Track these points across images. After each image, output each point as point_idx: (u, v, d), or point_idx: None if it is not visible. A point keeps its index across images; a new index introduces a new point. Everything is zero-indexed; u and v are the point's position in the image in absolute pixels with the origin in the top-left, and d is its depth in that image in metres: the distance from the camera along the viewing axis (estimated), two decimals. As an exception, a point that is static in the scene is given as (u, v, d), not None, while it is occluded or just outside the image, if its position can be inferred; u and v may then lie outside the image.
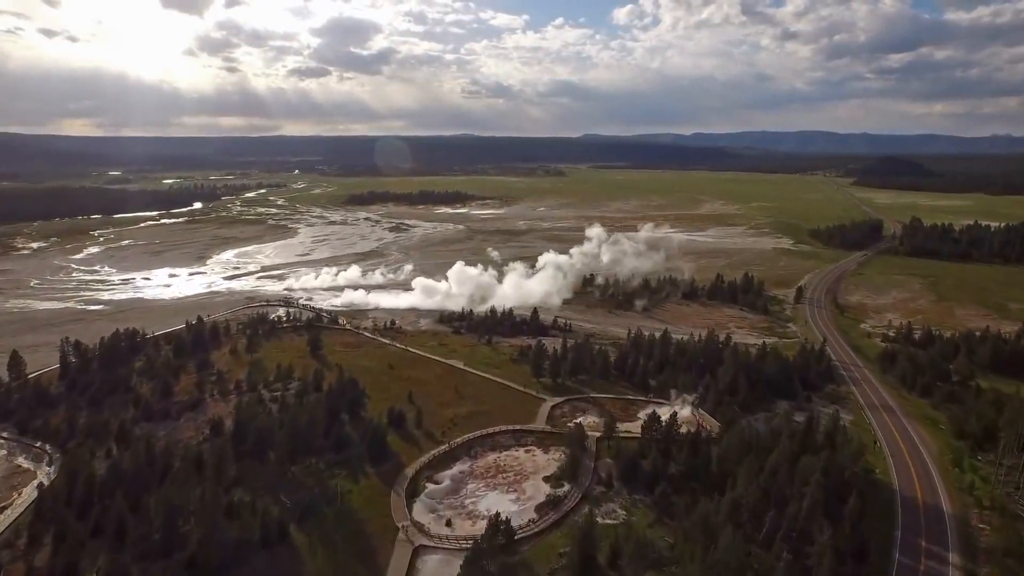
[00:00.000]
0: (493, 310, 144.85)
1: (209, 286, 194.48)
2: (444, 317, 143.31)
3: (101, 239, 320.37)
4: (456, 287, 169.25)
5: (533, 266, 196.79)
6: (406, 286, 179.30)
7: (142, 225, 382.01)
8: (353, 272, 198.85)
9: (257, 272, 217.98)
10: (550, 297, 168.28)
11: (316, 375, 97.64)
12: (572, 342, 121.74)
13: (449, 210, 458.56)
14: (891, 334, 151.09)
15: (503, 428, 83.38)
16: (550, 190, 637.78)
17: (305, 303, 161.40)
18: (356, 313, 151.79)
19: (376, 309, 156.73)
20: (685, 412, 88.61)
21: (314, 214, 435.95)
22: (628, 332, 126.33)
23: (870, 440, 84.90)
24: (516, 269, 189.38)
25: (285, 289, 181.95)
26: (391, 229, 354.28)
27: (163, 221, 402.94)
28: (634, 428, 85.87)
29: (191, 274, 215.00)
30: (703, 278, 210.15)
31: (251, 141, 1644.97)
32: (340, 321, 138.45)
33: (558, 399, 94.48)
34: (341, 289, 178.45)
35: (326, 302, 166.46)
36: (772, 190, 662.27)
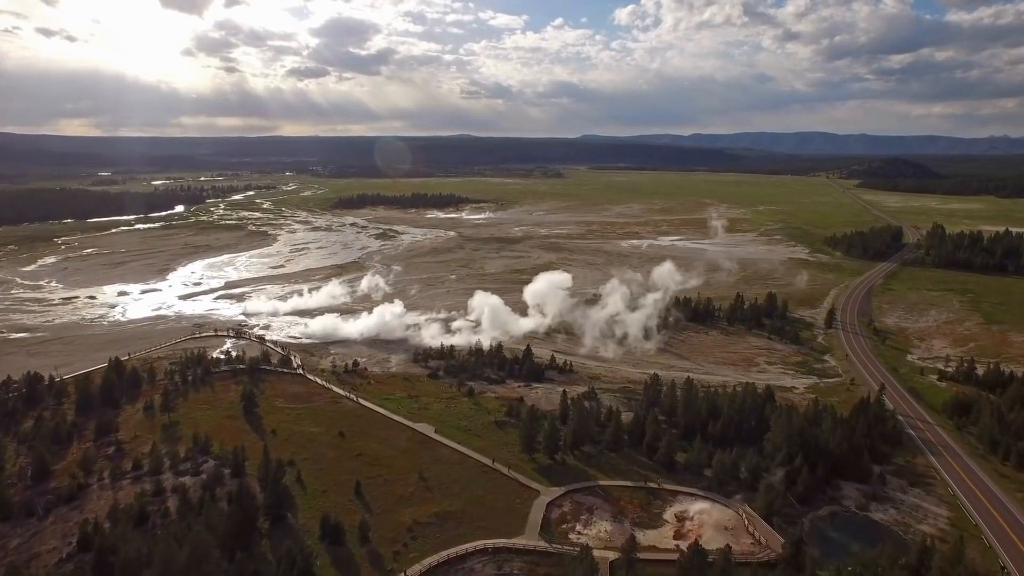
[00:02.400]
0: (479, 346, 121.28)
1: (159, 308, 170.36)
2: (419, 355, 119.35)
3: (63, 247, 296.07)
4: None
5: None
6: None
7: (113, 231, 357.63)
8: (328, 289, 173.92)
9: (219, 289, 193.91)
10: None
11: (237, 454, 73.90)
12: (574, 393, 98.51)
13: (441, 214, 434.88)
14: (948, 370, 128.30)
15: (479, 545, 59.87)
16: (548, 192, 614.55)
17: (261, 333, 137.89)
18: (316, 347, 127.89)
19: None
20: (727, 514, 65.31)
21: (298, 219, 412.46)
22: (645, 384, 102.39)
23: (993, 562, 61.61)
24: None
25: (242, 314, 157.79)
26: (377, 236, 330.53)
27: (138, 226, 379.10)
28: (661, 539, 62.59)
29: (144, 291, 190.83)
30: (720, 296, 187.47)
31: (249, 141, 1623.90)
32: (293, 360, 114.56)
33: (556, 491, 70.82)
34: (307, 313, 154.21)
35: (283, 332, 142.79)
36: (777, 193, 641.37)
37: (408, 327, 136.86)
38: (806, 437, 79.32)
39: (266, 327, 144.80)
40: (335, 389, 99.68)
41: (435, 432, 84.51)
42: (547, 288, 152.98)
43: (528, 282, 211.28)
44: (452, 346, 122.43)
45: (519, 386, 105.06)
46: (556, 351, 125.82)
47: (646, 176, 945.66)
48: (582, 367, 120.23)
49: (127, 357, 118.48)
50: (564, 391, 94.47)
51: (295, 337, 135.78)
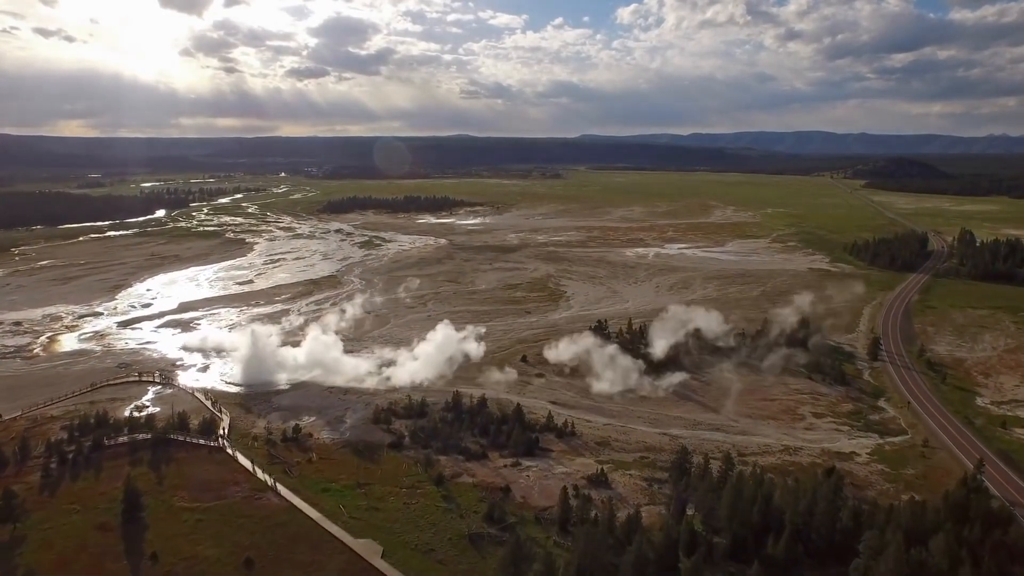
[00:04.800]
0: (457, 398, 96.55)
1: (90, 338, 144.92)
2: (381, 412, 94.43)
3: (18, 258, 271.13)
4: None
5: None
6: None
7: (81, 239, 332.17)
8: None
9: (168, 313, 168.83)
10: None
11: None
12: (578, 476, 74.11)
13: (433, 219, 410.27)
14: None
15: None
16: (546, 195, 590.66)
17: (195, 378, 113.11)
18: (255, 400, 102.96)
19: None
20: None
21: (282, 224, 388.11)
22: (671, 462, 77.52)
23: None
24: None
25: (182, 348, 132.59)
26: (362, 245, 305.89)
27: (109, 233, 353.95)
28: None
29: (81, 316, 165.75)
30: (744, 317, 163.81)
31: (246, 142, 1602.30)
32: (221, 419, 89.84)
33: None
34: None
35: (225, 374, 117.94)
36: (783, 194, 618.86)
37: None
38: (913, 568, 55.05)
39: (204, 368, 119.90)
40: (259, 473, 74.97)
41: (382, 556, 60.04)
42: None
43: (523, 301, 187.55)
44: (424, 399, 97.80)
45: (505, 464, 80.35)
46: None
47: (647, 176, 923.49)
48: (587, 426, 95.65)
49: (13, 416, 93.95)
50: (565, 488, 69.66)
51: (234, 383, 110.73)
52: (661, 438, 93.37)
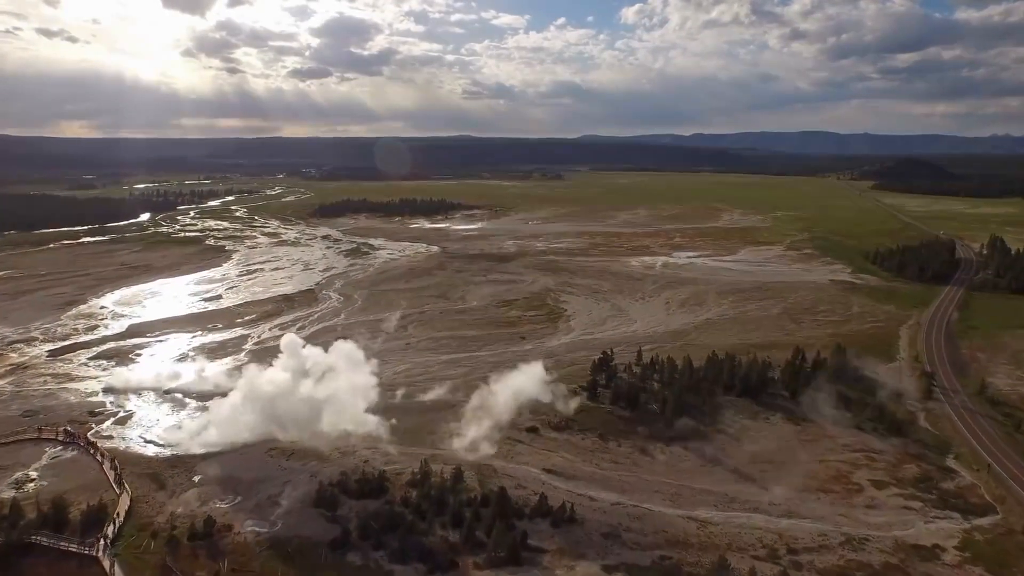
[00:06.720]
0: (426, 469, 75.71)
1: (10, 371, 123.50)
2: (328, 490, 73.19)
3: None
4: None
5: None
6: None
7: (52, 246, 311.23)
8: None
9: (112, 339, 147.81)
10: None
11: None
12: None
13: (427, 224, 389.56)
14: None
15: None
16: (547, 197, 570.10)
17: (109, 434, 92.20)
18: (176, 464, 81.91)
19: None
20: None
21: (267, 230, 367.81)
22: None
23: None
24: None
25: (105, 390, 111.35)
26: (348, 253, 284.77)
27: (84, 240, 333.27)
28: None
29: (11, 342, 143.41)
30: (762, 343, 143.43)
31: (248, 143, 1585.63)
32: (120, 498, 69.10)
33: None
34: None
35: (154, 428, 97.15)
36: (790, 196, 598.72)
37: None
38: None
39: (126, 417, 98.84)
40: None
41: None
42: None
43: (518, 322, 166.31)
44: (384, 472, 76.81)
45: (482, 568, 59.47)
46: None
47: (649, 178, 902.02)
48: (590, 507, 74.56)
49: None
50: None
51: (161, 444, 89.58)
52: (686, 524, 72.44)
